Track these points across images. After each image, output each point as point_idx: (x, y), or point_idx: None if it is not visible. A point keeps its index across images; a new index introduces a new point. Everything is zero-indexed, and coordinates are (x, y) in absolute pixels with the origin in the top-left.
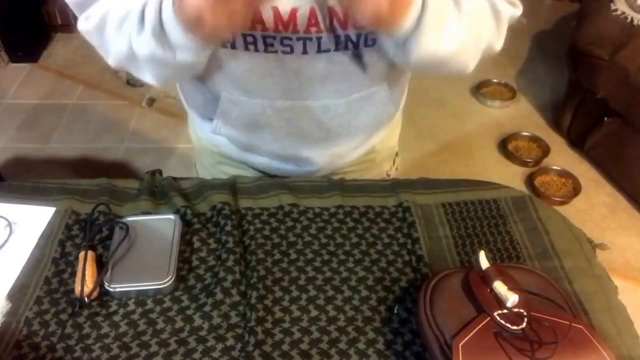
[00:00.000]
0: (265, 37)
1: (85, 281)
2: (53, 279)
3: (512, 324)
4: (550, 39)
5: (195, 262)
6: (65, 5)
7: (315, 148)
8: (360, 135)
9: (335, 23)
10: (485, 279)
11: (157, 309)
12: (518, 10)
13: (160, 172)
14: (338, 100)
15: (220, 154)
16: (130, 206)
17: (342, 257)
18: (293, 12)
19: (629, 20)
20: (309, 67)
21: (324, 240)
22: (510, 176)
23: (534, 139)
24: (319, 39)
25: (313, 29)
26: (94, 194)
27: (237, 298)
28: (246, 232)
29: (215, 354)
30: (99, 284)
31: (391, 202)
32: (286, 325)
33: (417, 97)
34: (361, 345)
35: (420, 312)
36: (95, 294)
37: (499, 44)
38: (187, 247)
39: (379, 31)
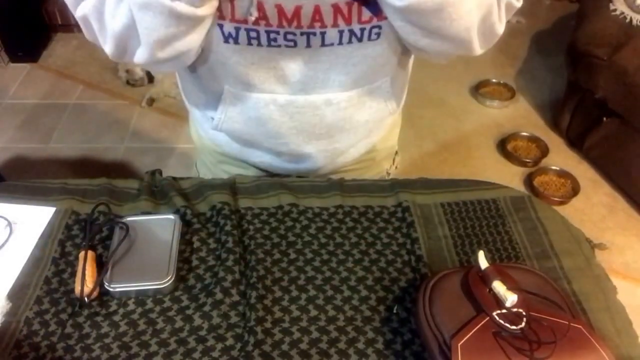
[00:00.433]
0: (268, 32)
1: (85, 281)
2: (53, 278)
3: (511, 324)
4: (549, 39)
5: (195, 262)
6: (66, 5)
7: (316, 144)
8: (361, 130)
9: (339, 18)
10: (485, 278)
11: (157, 308)
12: (518, 2)
13: (160, 172)
14: (341, 94)
15: (221, 152)
16: (130, 206)
17: (342, 256)
18: (297, 10)
19: (627, 20)
20: (312, 61)
21: (323, 240)
22: (509, 176)
23: (533, 139)
24: (322, 33)
25: (317, 24)
26: (94, 194)
27: (236, 298)
28: (246, 232)
29: (215, 354)
30: (99, 283)
31: (390, 202)
32: (286, 325)
33: (417, 97)
34: (360, 345)
35: (419, 311)
36: (95, 293)
37: (500, 27)
38: (186, 247)
39: None
